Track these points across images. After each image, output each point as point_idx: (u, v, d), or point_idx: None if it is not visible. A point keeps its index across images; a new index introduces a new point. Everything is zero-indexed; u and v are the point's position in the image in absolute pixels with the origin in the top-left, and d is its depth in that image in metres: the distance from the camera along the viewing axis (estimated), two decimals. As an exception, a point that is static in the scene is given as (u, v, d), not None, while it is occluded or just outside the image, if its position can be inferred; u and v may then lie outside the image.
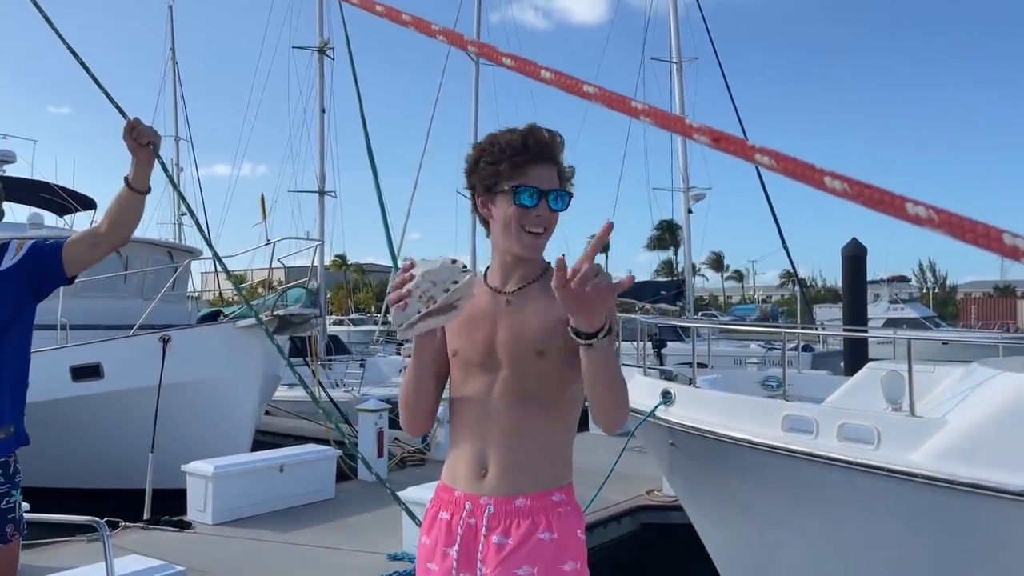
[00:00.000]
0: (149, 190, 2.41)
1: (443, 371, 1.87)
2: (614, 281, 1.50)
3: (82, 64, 3.11)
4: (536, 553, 1.68)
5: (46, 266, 2.40)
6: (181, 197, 3.53)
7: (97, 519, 3.30)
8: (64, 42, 3.06)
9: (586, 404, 1.75)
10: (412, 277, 1.62)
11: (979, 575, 3.99)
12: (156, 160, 2.41)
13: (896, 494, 4.05)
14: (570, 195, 1.77)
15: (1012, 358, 5.81)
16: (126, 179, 2.37)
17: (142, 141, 2.33)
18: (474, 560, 1.71)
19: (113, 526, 6.26)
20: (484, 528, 1.71)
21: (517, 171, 1.72)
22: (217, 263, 4.05)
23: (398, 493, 5.88)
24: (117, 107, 3.17)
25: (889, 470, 4.01)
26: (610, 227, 1.49)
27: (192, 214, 3.42)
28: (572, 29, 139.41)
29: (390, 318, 1.69)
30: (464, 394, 1.80)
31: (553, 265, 1.81)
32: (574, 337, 1.58)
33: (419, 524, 1.94)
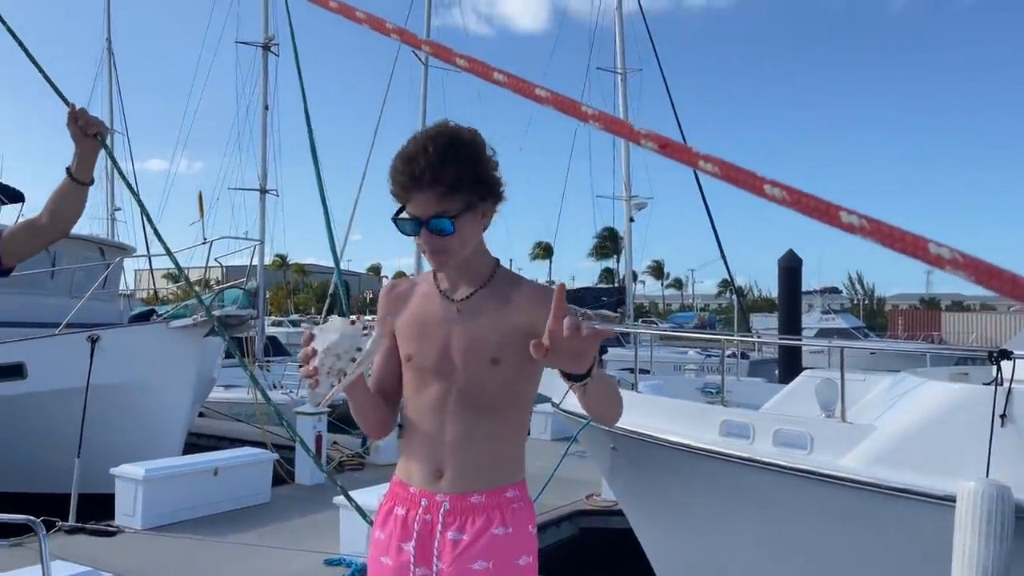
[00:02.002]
0: (92, 182, 2.33)
1: (390, 387, 1.86)
2: (597, 326, 1.48)
3: (26, 51, 2.98)
4: (491, 548, 1.71)
5: None
6: (132, 189, 3.39)
7: (33, 518, 3.16)
8: (6, 26, 2.93)
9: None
10: (314, 352, 1.58)
11: (905, 576, 4.13)
12: (101, 151, 2.32)
13: (828, 497, 4.17)
14: (468, 207, 1.65)
15: (937, 368, 6.05)
16: (68, 170, 2.28)
17: (89, 131, 2.25)
18: (430, 555, 1.73)
19: (49, 526, 6.01)
20: (440, 524, 1.73)
21: (402, 195, 1.66)
22: (168, 256, 3.91)
23: (336, 498, 5.81)
24: (60, 95, 3.05)
25: (821, 474, 4.13)
26: (563, 288, 1.46)
27: (143, 209, 3.29)
28: (514, 37, 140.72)
29: (304, 394, 1.66)
30: (418, 399, 1.79)
31: (499, 263, 1.82)
32: (567, 381, 1.56)
33: (370, 522, 1.92)
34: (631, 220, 22.02)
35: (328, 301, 25.71)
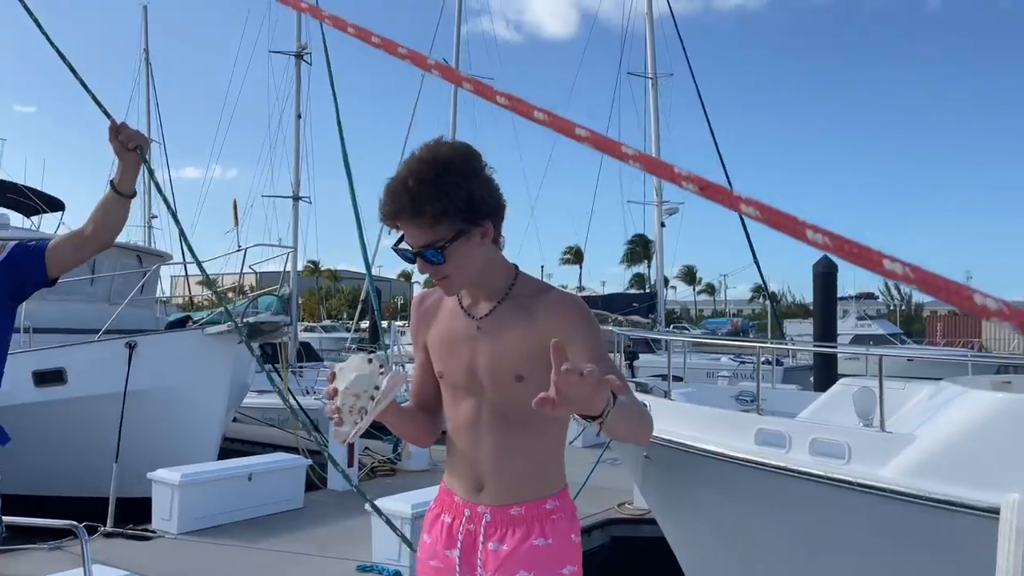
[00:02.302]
0: (135, 194, 2.39)
1: (430, 399, 1.91)
2: (603, 376, 1.42)
3: (70, 67, 3.05)
4: (532, 558, 1.74)
5: (29, 268, 2.37)
6: (167, 204, 3.47)
7: (76, 523, 3.22)
8: (53, 45, 3.00)
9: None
10: (336, 391, 1.62)
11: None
12: (142, 164, 2.38)
13: (866, 508, 4.09)
14: (459, 234, 1.63)
15: (980, 376, 5.91)
16: (112, 182, 2.33)
17: (129, 145, 2.30)
18: (474, 565, 1.78)
19: (89, 531, 6.12)
20: (482, 535, 1.78)
21: (392, 225, 1.67)
22: (198, 268, 3.97)
23: (367, 505, 5.83)
24: (103, 110, 3.13)
25: (859, 484, 4.05)
26: (559, 345, 1.40)
27: (176, 221, 3.36)
28: (543, 43, 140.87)
29: (332, 435, 1.70)
30: (454, 415, 1.84)
31: (520, 270, 1.82)
32: (582, 421, 1.52)
33: (401, 535, 1.95)
34: (662, 225, 21.91)
35: (360, 307, 25.90)
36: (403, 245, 1.69)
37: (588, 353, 1.67)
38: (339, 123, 7.57)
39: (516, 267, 1.82)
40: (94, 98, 3.15)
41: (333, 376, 1.64)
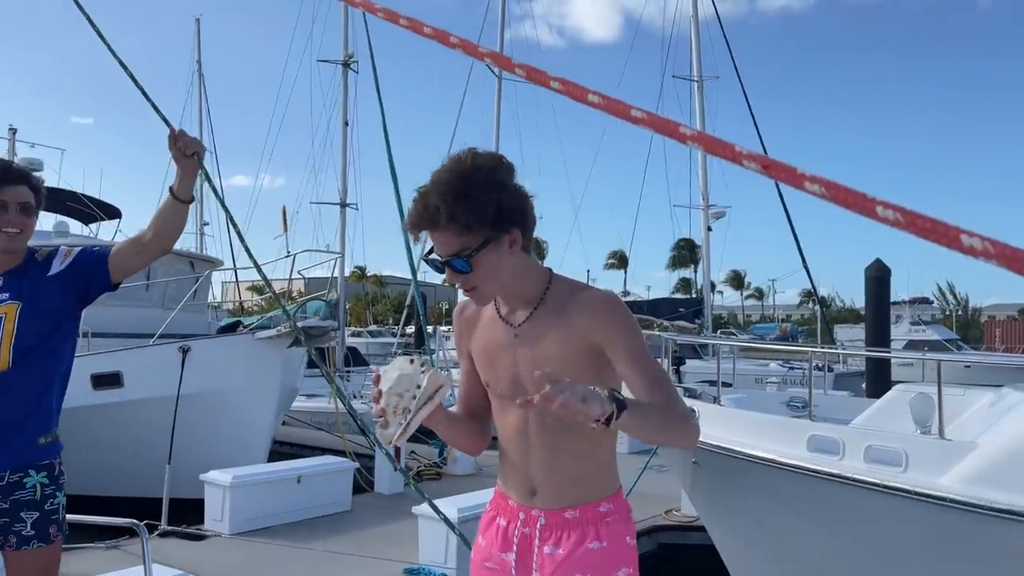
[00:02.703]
0: (193, 199, 2.46)
1: (478, 406, 1.92)
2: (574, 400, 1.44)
3: (132, 79, 3.15)
4: (587, 561, 1.74)
5: (93, 272, 2.47)
6: (225, 209, 3.55)
7: (136, 522, 3.31)
8: (117, 59, 3.10)
9: None
10: (380, 394, 1.64)
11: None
12: (200, 170, 2.44)
13: (924, 518, 3.96)
14: (486, 242, 1.64)
15: (1044, 382, 5.68)
16: (171, 189, 2.40)
17: (187, 152, 2.36)
18: (529, 568, 1.79)
19: (152, 529, 6.26)
20: (537, 538, 1.78)
21: (417, 237, 1.72)
22: (257, 271, 4.04)
23: (415, 507, 5.87)
24: (163, 118, 3.24)
25: (917, 493, 3.93)
26: (528, 403, 1.45)
27: (234, 225, 3.44)
28: (586, 47, 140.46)
29: (378, 436, 1.71)
30: (502, 422, 1.85)
31: (554, 273, 1.82)
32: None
33: (459, 534, 1.98)
34: (709, 229, 21.62)
35: (405, 312, 26.10)
36: (433, 256, 1.71)
37: (626, 354, 1.67)
38: (386, 133, 7.63)
39: (550, 271, 1.81)
40: (155, 107, 3.24)
41: (378, 379, 1.67)
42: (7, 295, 2.38)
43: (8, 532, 2.37)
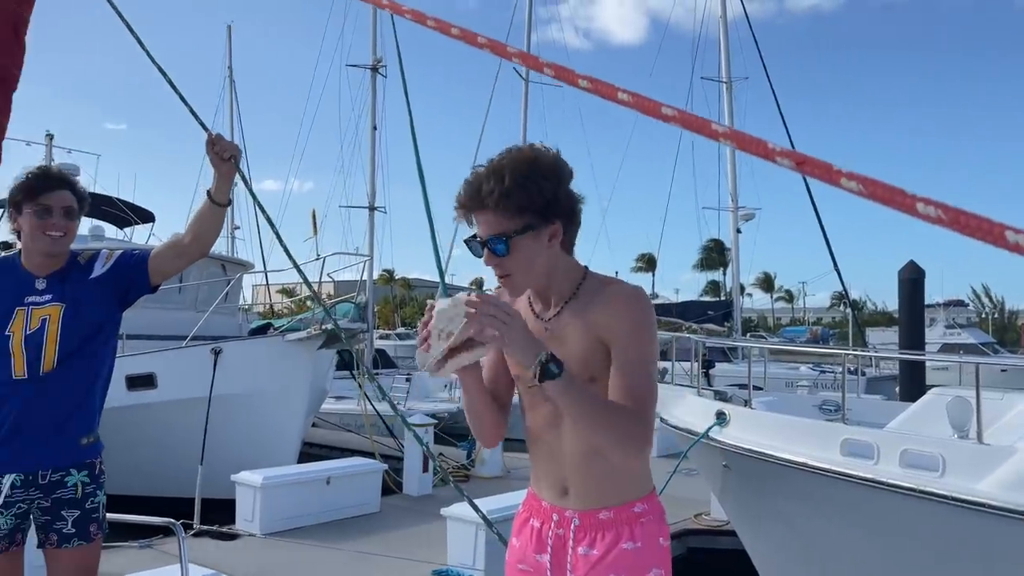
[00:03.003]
0: (230, 202, 2.50)
1: (501, 390, 1.90)
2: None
3: (171, 84, 3.20)
4: (621, 562, 1.72)
5: (133, 275, 2.54)
6: (262, 210, 3.58)
7: (173, 521, 3.36)
8: (156, 65, 3.15)
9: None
10: (432, 319, 1.64)
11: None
12: (236, 173, 2.47)
13: (962, 524, 3.88)
14: (527, 228, 1.65)
15: (1085, 386, 5.55)
16: (208, 192, 2.43)
17: (224, 155, 2.39)
18: (564, 569, 1.78)
19: (187, 528, 6.34)
20: (571, 539, 1.77)
21: (466, 215, 1.70)
22: (298, 272, 4.08)
23: (443, 509, 5.88)
24: (201, 123, 3.29)
25: (955, 499, 3.85)
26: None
27: (273, 227, 3.46)
28: (612, 49, 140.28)
29: (416, 361, 1.69)
30: (533, 417, 1.83)
31: (590, 270, 1.79)
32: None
33: (497, 532, 1.97)
34: (738, 231, 21.45)
35: (433, 315, 26.16)
36: (474, 238, 1.71)
37: (622, 354, 1.65)
38: (414, 137, 7.70)
39: (585, 268, 1.80)
40: (193, 112, 3.29)
41: (431, 307, 1.65)
42: (50, 297, 2.44)
43: (49, 530, 2.42)
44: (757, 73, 21.43)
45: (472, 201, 1.67)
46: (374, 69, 18.48)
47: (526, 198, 1.63)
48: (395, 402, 13.55)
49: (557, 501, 1.80)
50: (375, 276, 21.82)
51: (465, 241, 1.73)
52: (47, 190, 2.45)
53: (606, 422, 1.58)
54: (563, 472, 1.78)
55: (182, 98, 3.24)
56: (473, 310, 1.54)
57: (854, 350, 12.08)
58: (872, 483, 4.08)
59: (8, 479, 2.37)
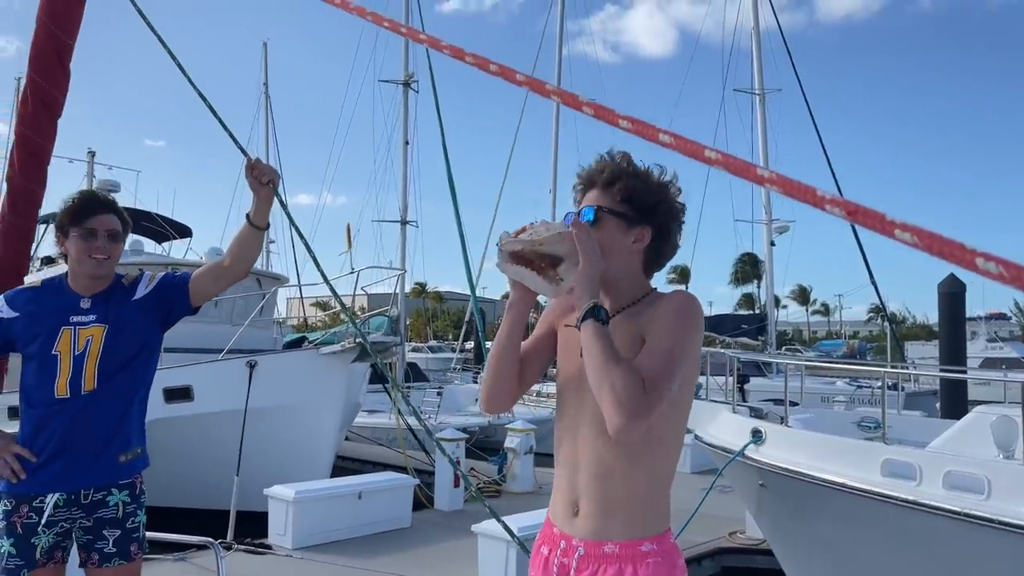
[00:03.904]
0: (268, 226, 2.53)
1: (528, 365, 1.87)
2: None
3: (211, 110, 3.26)
4: None
5: (175, 296, 2.59)
6: (298, 233, 3.62)
7: (212, 540, 3.41)
8: (196, 90, 3.20)
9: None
10: (536, 222, 1.73)
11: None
12: (275, 197, 2.50)
13: (1009, 548, 3.76)
14: (619, 215, 1.74)
15: None
16: (247, 216, 2.47)
17: (263, 180, 2.43)
18: None
19: (227, 548, 6.40)
20: (574, 570, 1.71)
21: (580, 194, 1.83)
22: (330, 290, 4.13)
23: (474, 525, 5.85)
24: (240, 148, 3.36)
25: (1001, 522, 3.74)
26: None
27: (309, 249, 3.51)
28: (641, 63, 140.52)
29: (498, 243, 1.74)
30: (560, 419, 1.81)
31: (654, 289, 1.79)
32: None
33: (524, 549, 1.94)
34: (772, 244, 21.19)
35: (464, 327, 26.24)
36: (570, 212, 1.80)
37: (653, 336, 1.63)
38: (446, 154, 7.74)
39: (654, 288, 1.79)
40: (232, 137, 3.34)
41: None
42: (94, 317, 2.49)
43: (91, 549, 2.45)
44: (789, 84, 21.23)
45: (586, 179, 1.78)
46: (406, 84, 18.66)
47: (630, 191, 1.72)
48: (426, 416, 13.58)
49: (567, 526, 1.74)
50: (407, 289, 21.94)
51: (566, 214, 1.80)
52: (92, 214, 2.51)
53: (616, 376, 1.53)
54: (577, 490, 1.73)
55: (221, 123, 3.29)
56: (574, 231, 1.64)
57: (893, 367, 11.82)
58: (914, 505, 3.98)
59: (51, 498, 2.41)
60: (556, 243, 1.68)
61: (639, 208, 1.72)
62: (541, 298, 1.87)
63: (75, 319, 2.47)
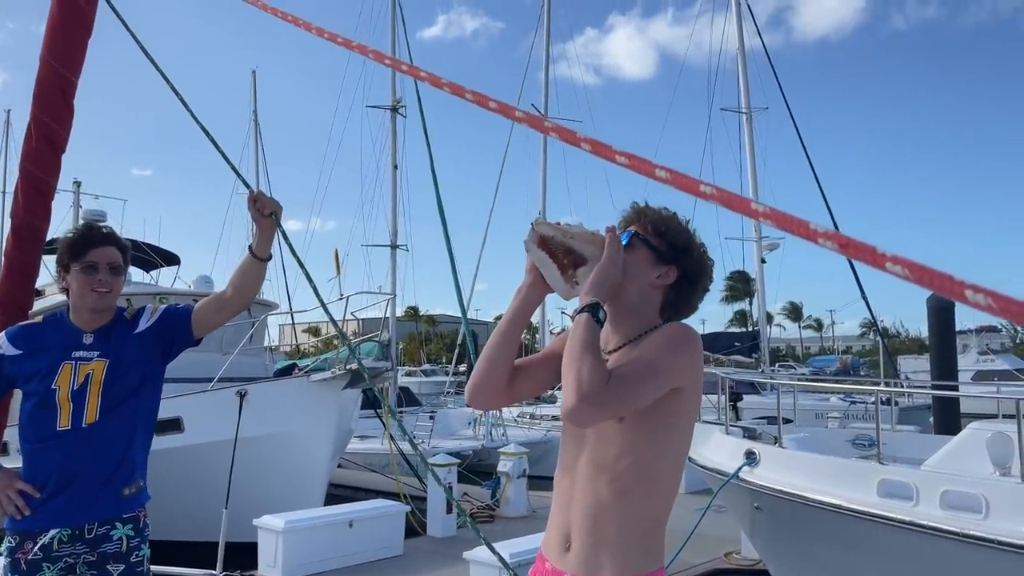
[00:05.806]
0: (271, 257, 2.54)
1: (524, 374, 1.87)
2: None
3: (213, 143, 3.24)
4: None
5: (178, 328, 2.59)
6: (299, 262, 3.60)
7: (214, 572, 3.36)
8: (197, 121, 3.18)
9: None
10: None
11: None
12: (277, 229, 2.51)
13: (1008, 569, 3.72)
14: (651, 248, 1.80)
15: None
16: (250, 247, 2.49)
17: (265, 212, 2.44)
18: None
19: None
20: None
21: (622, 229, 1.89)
22: (326, 314, 4.10)
23: (466, 552, 5.77)
24: (242, 180, 3.37)
25: (1000, 542, 3.70)
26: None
27: (309, 278, 3.48)
28: (623, 85, 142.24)
29: (533, 222, 1.78)
30: (561, 459, 1.81)
31: (664, 323, 1.79)
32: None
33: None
34: (762, 261, 21.26)
35: (457, 350, 26.15)
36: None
37: (639, 351, 1.67)
38: (434, 176, 7.74)
39: (661, 323, 1.79)
40: (234, 169, 3.36)
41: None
42: (96, 353, 2.47)
43: None
44: (774, 103, 21.41)
45: (630, 215, 1.85)
46: (394, 109, 18.71)
47: (666, 230, 1.79)
48: (419, 441, 13.47)
49: (559, 561, 1.72)
50: (399, 313, 21.87)
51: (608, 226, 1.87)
52: (92, 246, 2.50)
53: (585, 363, 1.55)
54: (570, 524, 1.72)
55: (223, 155, 3.29)
56: (607, 236, 1.73)
57: (888, 384, 11.82)
58: (912, 526, 3.94)
59: (54, 533, 2.38)
60: (586, 241, 1.73)
61: (670, 246, 1.78)
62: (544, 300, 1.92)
63: (77, 354, 2.47)
